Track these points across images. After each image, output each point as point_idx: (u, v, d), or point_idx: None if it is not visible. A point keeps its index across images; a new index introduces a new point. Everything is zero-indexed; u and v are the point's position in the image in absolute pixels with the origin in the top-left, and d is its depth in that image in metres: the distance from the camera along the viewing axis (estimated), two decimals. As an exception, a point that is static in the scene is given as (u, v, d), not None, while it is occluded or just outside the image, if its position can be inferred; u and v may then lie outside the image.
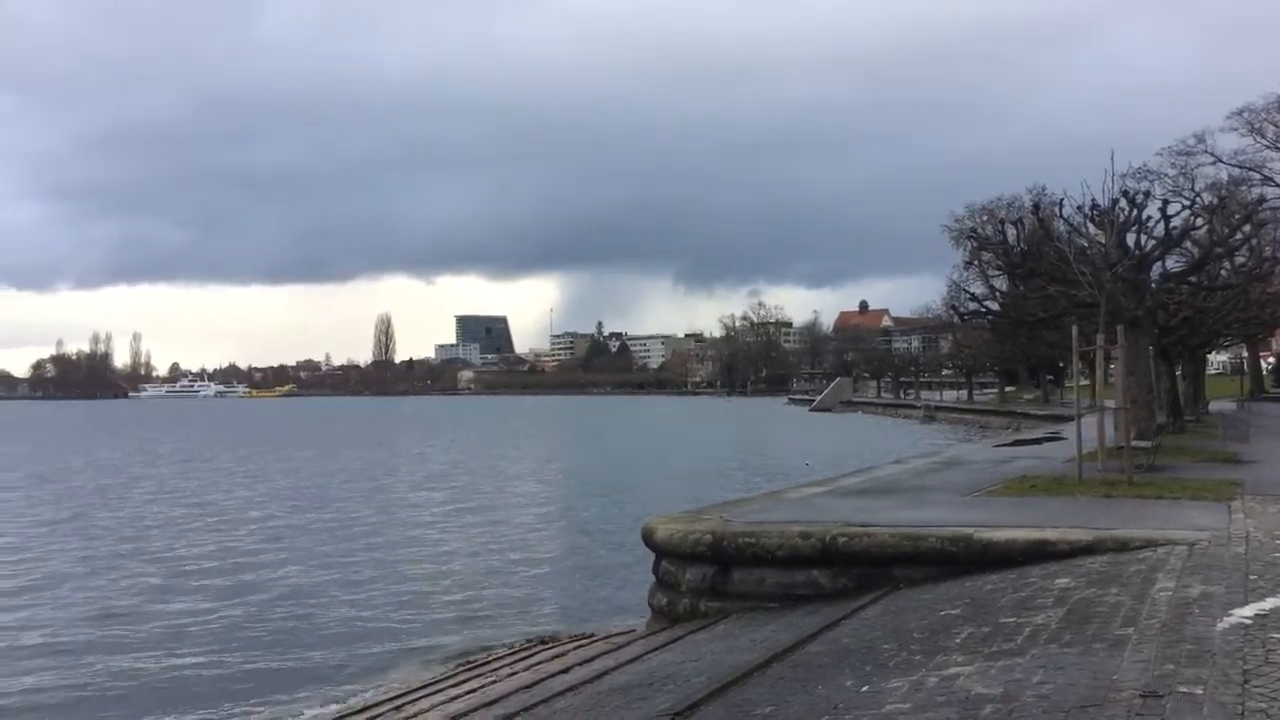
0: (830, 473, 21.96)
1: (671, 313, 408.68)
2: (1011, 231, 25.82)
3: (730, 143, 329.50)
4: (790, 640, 7.89)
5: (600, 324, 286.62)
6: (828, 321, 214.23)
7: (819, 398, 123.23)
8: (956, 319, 49.68)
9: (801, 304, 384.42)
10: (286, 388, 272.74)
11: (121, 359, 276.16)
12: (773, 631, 8.75)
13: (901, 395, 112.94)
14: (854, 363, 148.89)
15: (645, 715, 6.67)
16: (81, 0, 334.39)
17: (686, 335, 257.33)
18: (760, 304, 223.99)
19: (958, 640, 6.80)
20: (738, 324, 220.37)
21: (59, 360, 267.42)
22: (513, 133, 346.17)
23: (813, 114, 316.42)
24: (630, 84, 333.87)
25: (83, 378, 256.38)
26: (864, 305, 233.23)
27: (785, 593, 10.09)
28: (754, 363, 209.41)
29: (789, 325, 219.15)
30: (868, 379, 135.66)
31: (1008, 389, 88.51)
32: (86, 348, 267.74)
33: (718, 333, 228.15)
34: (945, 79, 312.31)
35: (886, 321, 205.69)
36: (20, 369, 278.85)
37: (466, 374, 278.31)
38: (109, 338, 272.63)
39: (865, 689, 6.00)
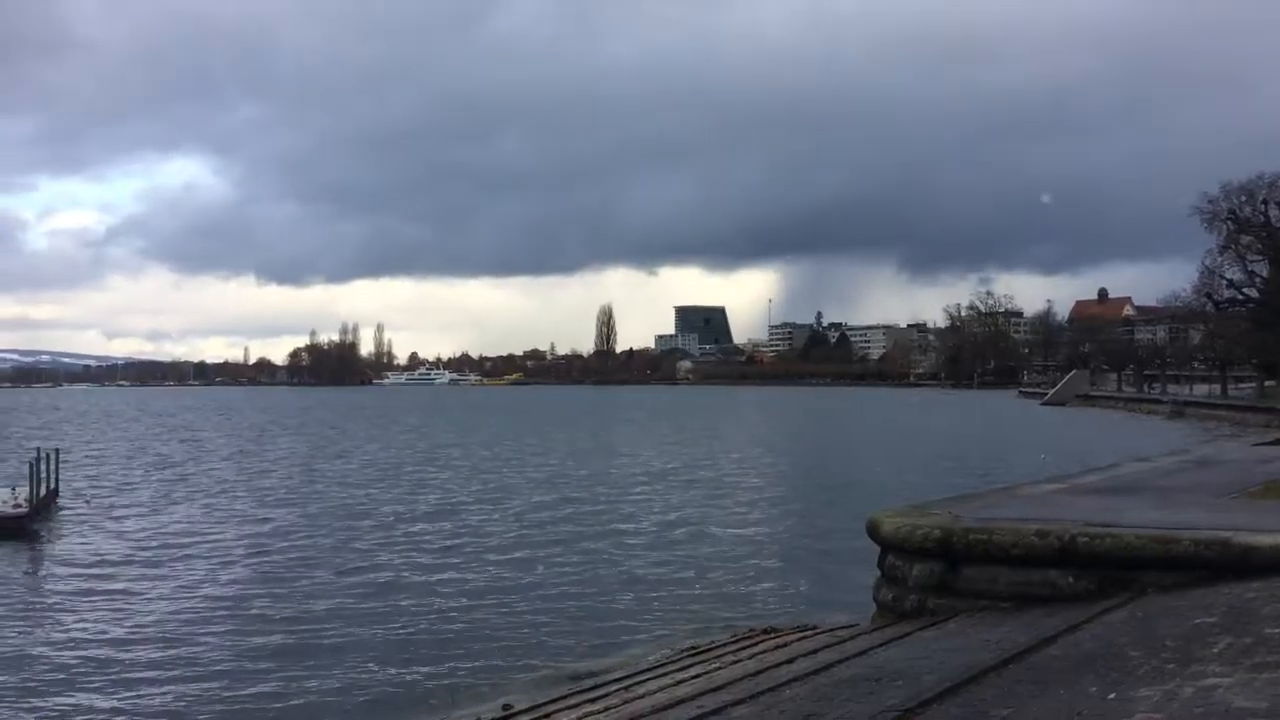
0: (1067, 469, 20.89)
1: (893, 302, 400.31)
2: (1275, 213, 23.76)
3: (963, 124, 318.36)
4: (1027, 642, 7.59)
5: (819, 314, 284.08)
6: (1062, 311, 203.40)
7: (1052, 391, 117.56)
8: (1210, 307, 46.31)
9: (1034, 292, 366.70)
10: (514, 376, 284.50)
11: (366, 348, 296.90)
12: (1007, 632, 8.44)
13: (1145, 389, 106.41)
14: (1091, 354, 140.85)
15: (874, 710, 6.59)
16: (327, 10, 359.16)
17: (909, 325, 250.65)
18: (989, 293, 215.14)
19: (1215, 650, 6.37)
20: (963, 313, 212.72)
21: (312, 349, 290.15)
22: (734, 123, 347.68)
23: (1055, 92, 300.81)
24: (856, 67, 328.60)
25: (333, 366, 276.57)
26: (1103, 293, 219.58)
27: (1019, 593, 9.69)
28: (980, 354, 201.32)
29: (1019, 315, 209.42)
30: (1106, 372, 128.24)
31: (1267, 383, 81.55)
32: (336, 338, 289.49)
33: (942, 323, 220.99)
34: (1199, 51, 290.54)
35: (1128, 311, 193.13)
36: (279, 357, 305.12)
37: (685, 364, 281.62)
38: (355, 328, 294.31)
39: (1111, 696, 5.72)
